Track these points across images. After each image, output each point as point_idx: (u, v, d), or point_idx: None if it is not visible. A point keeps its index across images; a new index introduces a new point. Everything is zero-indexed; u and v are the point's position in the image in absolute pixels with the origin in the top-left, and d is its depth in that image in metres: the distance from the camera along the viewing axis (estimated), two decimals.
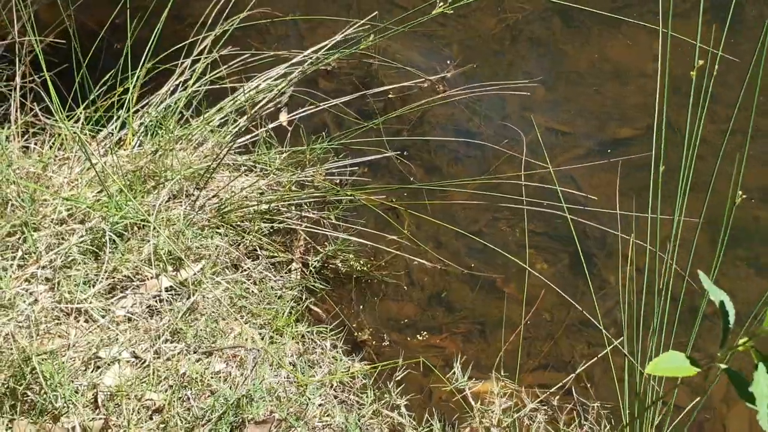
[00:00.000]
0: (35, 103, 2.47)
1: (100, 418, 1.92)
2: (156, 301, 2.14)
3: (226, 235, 2.34)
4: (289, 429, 2.00)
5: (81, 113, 2.43)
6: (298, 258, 2.46)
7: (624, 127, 2.83)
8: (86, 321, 2.08)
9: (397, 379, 2.20)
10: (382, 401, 2.15)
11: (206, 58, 2.60)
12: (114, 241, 2.16)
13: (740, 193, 1.69)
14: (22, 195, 2.19)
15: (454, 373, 2.22)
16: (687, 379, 1.33)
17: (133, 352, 2.05)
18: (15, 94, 2.48)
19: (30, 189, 2.19)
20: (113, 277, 2.15)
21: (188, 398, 1.98)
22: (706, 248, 2.26)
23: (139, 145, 2.46)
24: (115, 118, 2.47)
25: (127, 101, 2.47)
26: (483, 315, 2.46)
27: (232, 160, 2.52)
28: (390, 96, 2.87)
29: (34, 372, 1.91)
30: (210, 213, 2.34)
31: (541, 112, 2.85)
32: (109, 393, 1.96)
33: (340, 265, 2.49)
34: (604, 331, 2.07)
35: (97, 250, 2.17)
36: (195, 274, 2.18)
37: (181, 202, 2.32)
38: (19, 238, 2.15)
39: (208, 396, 1.99)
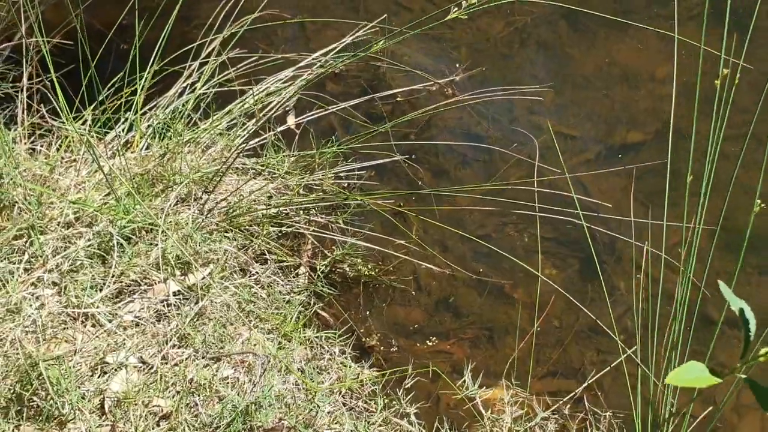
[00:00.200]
0: (42, 105, 2.46)
1: (107, 425, 1.91)
2: (164, 306, 2.12)
3: (235, 239, 2.33)
4: None
5: (88, 115, 2.41)
6: (306, 262, 2.45)
7: (633, 132, 2.81)
8: (93, 326, 2.06)
9: (406, 387, 2.18)
10: (392, 409, 2.13)
11: (214, 60, 2.58)
12: (122, 245, 2.14)
13: (759, 201, 1.67)
14: (28, 197, 2.18)
15: (464, 381, 2.20)
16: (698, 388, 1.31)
17: (141, 357, 2.03)
18: (22, 96, 2.46)
19: (37, 191, 2.18)
20: (121, 282, 2.13)
21: (196, 405, 1.96)
22: (715, 254, 2.24)
23: (147, 148, 2.44)
24: (122, 120, 2.46)
25: (134, 103, 2.45)
26: (491, 321, 2.44)
27: (241, 164, 2.50)
28: (398, 99, 2.85)
29: (40, 377, 1.89)
30: (218, 217, 2.32)
31: (549, 116, 2.83)
32: (116, 399, 1.94)
33: (347, 269, 2.47)
34: (618, 341, 2.05)
35: (105, 254, 2.15)
36: (203, 278, 2.16)
37: (189, 205, 2.30)
38: (25, 242, 2.13)
39: (217, 403, 1.98)
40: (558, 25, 3.05)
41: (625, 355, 2.06)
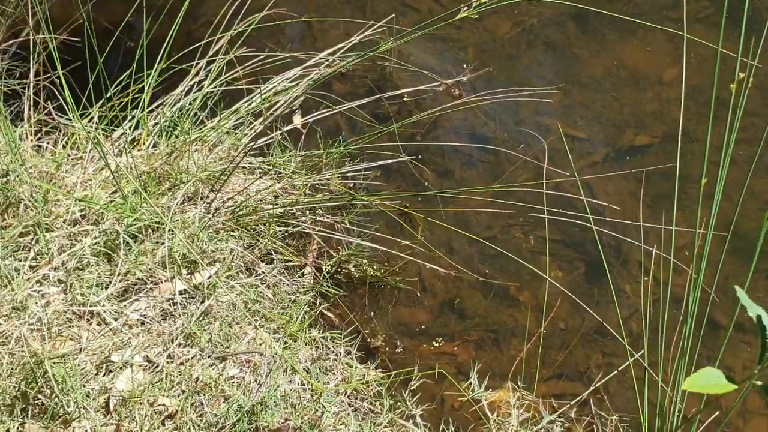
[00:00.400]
0: (49, 102, 2.45)
1: (112, 424, 1.90)
2: (170, 305, 2.12)
3: (241, 239, 2.32)
4: None
5: (95, 112, 2.41)
6: (312, 262, 2.44)
7: (641, 135, 2.80)
8: (99, 324, 2.06)
9: (412, 388, 2.18)
10: (397, 410, 2.13)
11: (222, 58, 2.58)
12: (128, 243, 2.14)
13: None
14: (35, 195, 2.17)
15: (470, 384, 2.20)
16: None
17: (146, 356, 2.03)
18: (28, 92, 2.46)
19: (43, 189, 2.17)
20: (127, 280, 2.12)
21: (201, 404, 1.96)
22: (723, 258, 2.23)
23: (154, 146, 2.44)
24: (129, 117, 2.45)
25: (141, 101, 2.44)
26: (496, 323, 2.44)
27: (247, 163, 2.50)
28: (405, 99, 2.84)
29: (45, 375, 1.89)
30: (225, 216, 2.32)
31: (557, 118, 2.83)
32: (121, 398, 1.94)
33: (353, 269, 2.47)
34: (626, 345, 2.05)
35: (111, 252, 2.15)
36: (209, 277, 2.15)
37: (196, 204, 2.30)
38: (31, 239, 2.13)
39: (222, 402, 1.97)
40: (566, 26, 3.04)
41: (633, 359, 2.06)
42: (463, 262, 2.50)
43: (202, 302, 2.12)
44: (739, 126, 1.81)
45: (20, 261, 2.08)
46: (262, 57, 2.67)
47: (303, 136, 2.66)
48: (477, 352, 2.38)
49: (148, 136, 2.45)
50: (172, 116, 2.48)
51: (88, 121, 2.41)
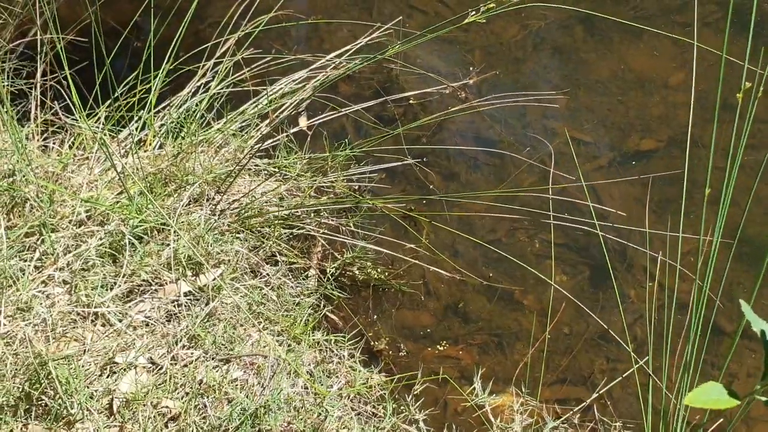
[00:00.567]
0: (55, 102, 2.45)
1: (115, 426, 1.90)
2: (174, 306, 2.12)
3: (246, 241, 2.32)
4: None
5: (102, 112, 2.41)
6: (316, 264, 2.44)
7: (646, 139, 2.80)
8: (103, 325, 2.06)
9: (415, 393, 2.18)
10: (400, 415, 2.13)
11: (228, 60, 2.58)
12: (133, 244, 2.14)
13: None
14: (40, 195, 2.17)
15: (474, 388, 2.20)
16: None
17: (150, 357, 2.03)
18: (35, 92, 2.46)
19: (49, 189, 2.18)
20: (131, 281, 2.13)
21: (205, 406, 1.96)
22: (729, 264, 2.23)
23: (160, 147, 2.44)
24: (135, 118, 2.45)
25: (148, 102, 2.45)
26: (500, 327, 2.43)
27: (253, 165, 2.50)
28: (411, 102, 2.84)
29: (49, 376, 1.89)
30: (230, 218, 2.32)
31: (563, 121, 2.82)
32: (124, 399, 1.94)
33: (357, 272, 2.47)
34: (631, 352, 2.04)
35: (116, 253, 2.15)
36: (214, 279, 2.16)
37: (201, 206, 2.30)
38: (37, 239, 2.13)
39: (226, 405, 1.97)
40: (573, 29, 3.04)
41: (637, 366, 2.05)
42: (467, 266, 2.50)
43: (207, 304, 2.12)
44: (746, 131, 1.81)
45: (25, 261, 2.08)
46: (268, 59, 2.67)
47: (309, 138, 2.66)
48: (481, 356, 2.38)
49: (154, 137, 2.46)
50: (179, 117, 2.48)
51: (95, 122, 2.41)
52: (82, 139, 2.37)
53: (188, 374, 2.00)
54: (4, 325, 1.96)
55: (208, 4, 2.99)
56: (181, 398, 1.98)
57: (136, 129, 2.44)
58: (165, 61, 2.48)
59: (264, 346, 2.10)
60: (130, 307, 2.10)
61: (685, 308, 2.24)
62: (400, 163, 2.64)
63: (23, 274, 2.05)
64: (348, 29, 2.97)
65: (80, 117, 2.35)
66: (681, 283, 2.18)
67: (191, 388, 1.98)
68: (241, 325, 2.14)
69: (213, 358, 2.05)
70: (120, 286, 2.10)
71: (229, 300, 2.15)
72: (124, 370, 1.98)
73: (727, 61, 1.71)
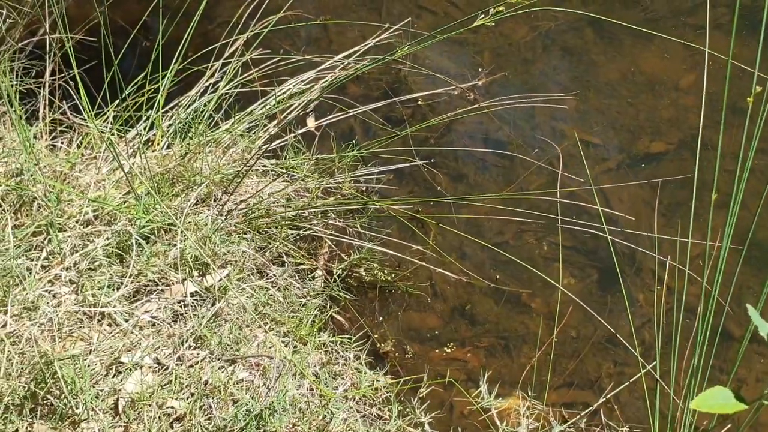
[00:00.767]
0: (64, 101, 2.46)
1: (120, 426, 1.90)
2: (180, 307, 2.12)
3: (253, 241, 2.32)
4: None
5: (111, 112, 2.41)
6: (323, 266, 2.44)
7: (656, 141, 2.78)
8: (109, 325, 2.06)
9: (421, 396, 2.17)
10: (406, 417, 2.12)
11: (237, 60, 2.58)
12: (140, 244, 2.14)
13: None
14: (48, 194, 2.18)
15: (479, 392, 2.19)
16: None
17: (156, 357, 2.03)
18: (44, 91, 2.46)
19: (56, 188, 2.18)
20: (138, 281, 2.13)
21: (210, 407, 1.96)
22: (738, 268, 2.21)
23: (168, 147, 2.44)
24: (144, 118, 2.45)
25: (156, 102, 2.45)
26: (507, 330, 2.42)
27: (261, 165, 2.50)
28: (419, 103, 2.84)
29: (55, 376, 1.89)
30: (238, 218, 2.32)
31: (572, 123, 2.81)
32: (130, 399, 1.94)
33: (363, 273, 2.46)
34: (638, 356, 2.03)
35: (123, 253, 2.15)
36: (221, 280, 2.15)
37: (209, 206, 2.30)
38: (44, 239, 2.13)
39: (231, 406, 1.97)
40: (583, 31, 3.03)
41: (645, 371, 2.04)
42: (474, 268, 2.49)
43: (213, 304, 2.12)
44: (757, 135, 1.79)
45: (32, 261, 2.09)
46: (277, 59, 2.66)
47: (316, 139, 2.65)
48: (487, 358, 2.37)
49: (162, 137, 2.46)
50: (187, 118, 2.48)
51: (103, 121, 2.42)
52: (90, 139, 2.38)
53: (194, 375, 2.00)
54: (11, 324, 1.96)
55: (217, 4, 2.99)
56: (187, 399, 1.97)
57: (144, 129, 2.44)
58: (173, 61, 2.48)
59: (270, 347, 2.10)
60: (136, 307, 2.10)
61: (693, 312, 2.22)
62: (407, 165, 2.63)
63: (30, 273, 2.06)
64: (357, 30, 2.97)
65: (88, 116, 2.35)
66: (690, 286, 2.17)
67: (197, 388, 1.98)
68: (247, 326, 2.14)
69: (219, 359, 2.05)
70: (126, 286, 2.10)
71: (235, 301, 2.15)
72: (130, 370, 1.99)
73: (739, 64, 1.70)
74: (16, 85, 2.46)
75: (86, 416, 1.89)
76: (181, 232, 2.15)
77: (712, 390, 1.13)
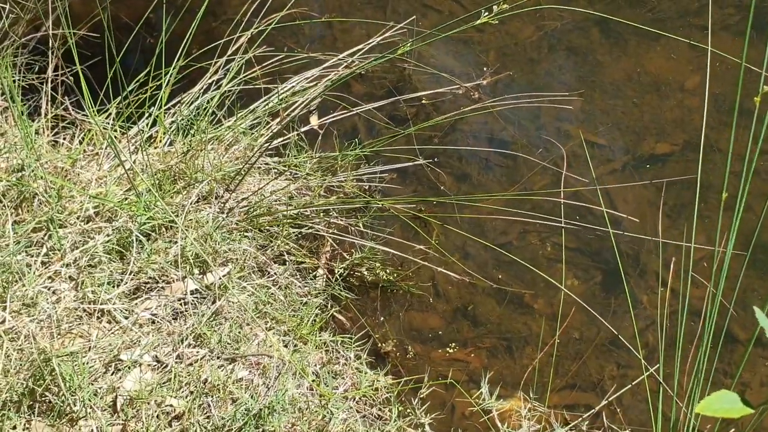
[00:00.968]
0: (66, 97, 2.45)
1: (118, 424, 1.89)
2: (181, 304, 2.11)
3: (254, 239, 2.31)
4: None
5: (113, 108, 2.40)
6: (324, 264, 2.43)
7: (661, 142, 2.76)
8: (109, 322, 2.05)
9: (421, 397, 2.16)
10: (406, 418, 2.11)
11: (241, 57, 2.57)
12: (141, 241, 2.13)
13: None
14: (49, 190, 2.17)
15: (480, 393, 2.17)
16: None
17: (155, 355, 2.02)
18: (46, 87, 2.46)
19: (57, 184, 2.17)
20: (138, 278, 2.12)
21: (209, 406, 1.95)
22: (740, 270, 2.20)
23: (170, 144, 2.43)
24: (146, 115, 2.44)
25: (159, 98, 2.44)
26: (509, 330, 2.41)
27: (263, 163, 2.48)
28: (423, 101, 2.82)
29: (53, 373, 1.88)
30: (239, 216, 2.31)
31: (577, 123, 2.79)
32: (128, 397, 1.93)
33: (365, 273, 2.45)
34: (641, 359, 2.01)
35: (123, 250, 2.14)
36: (221, 278, 2.14)
37: (210, 204, 2.29)
38: (44, 235, 2.13)
39: (230, 405, 1.96)
40: (590, 31, 3.01)
41: (648, 374, 2.02)
42: (477, 268, 2.48)
43: (214, 303, 2.11)
44: (762, 136, 1.77)
45: (32, 257, 2.08)
46: (281, 57, 2.65)
47: (320, 137, 2.64)
48: (489, 359, 2.36)
49: (164, 134, 2.45)
50: (190, 114, 2.47)
51: (106, 118, 2.41)
52: (92, 135, 2.37)
53: (193, 373, 1.99)
54: (9, 320, 1.95)
55: (221, 1, 2.98)
56: (186, 397, 1.96)
57: (147, 125, 2.44)
58: (177, 57, 2.47)
59: (270, 346, 2.09)
60: (136, 304, 2.09)
61: (698, 315, 2.21)
62: (411, 164, 2.62)
63: (30, 269, 2.05)
64: (362, 28, 2.95)
65: (90, 113, 2.34)
66: (694, 289, 2.15)
67: (196, 387, 1.97)
68: (248, 325, 2.13)
69: (218, 357, 2.04)
70: (127, 283, 2.09)
71: (235, 299, 2.14)
72: (129, 367, 1.98)
73: (747, 63, 1.68)
74: (19, 80, 2.46)
75: (84, 414, 1.88)
76: (181, 229, 2.14)
77: (717, 394, 1.12)
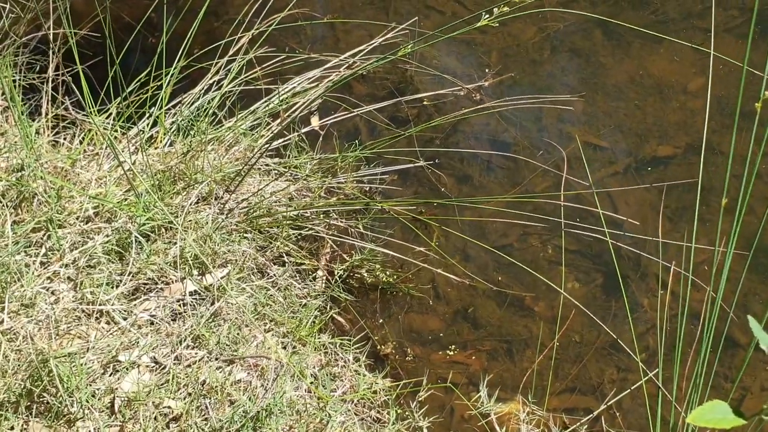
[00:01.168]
0: (66, 97, 2.45)
1: (116, 425, 1.89)
2: (180, 305, 2.11)
3: (254, 241, 2.30)
4: None
5: (113, 108, 2.40)
6: (324, 266, 2.42)
7: (664, 145, 2.75)
8: (107, 323, 2.05)
9: (420, 399, 2.15)
10: (405, 421, 2.10)
11: (242, 58, 2.56)
12: (140, 242, 2.13)
13: None
14: (48, 190, 2.17)
15: (479, 397, 2.17)
16: None
17: (154, 356, 2.01)
18: (47, 87, 2.45)
19: (57, 185, 2.17)
20: (137, 279, 2.11)
21: (207, 408, 1.94)
22: (741, 273, 2.18)
23: (170, 145, 2.43)
24: (147, 115, 2.44)
25: (159, 98, 2.43)
26: (510, 333, 2.40)
27: (263, 164, 2.48)
28: (425, 103, 2.81)
29: (51, 374, 1.88)
30: (239, 217, 2.30)
31: (579, 125, 2.78)
32: (126, 398, 1.93)
33: (365, 275, 2.45)
34: (640, 363, 2.01)
35: (122, 251, 2.14)
36: (220, 279, 2.14)
37: (210, 204, 2.28)
38: (43, 235, 2.12)
39: (228, 407, 1.95)
40: (592, 33, 3.00)
41: (646, 378, 2.02)
42: (477, 270, 2.47)
43: (212, 304, 2.11)
44: (765, 139, 1.76)
45: (31, 257, 2.08)
46: (282, 57, 2.65)
47: (321, 138, 2.63)
48: (489, 362, 2.35)
49: (164, 134, 2.44)
50: (190, 115, 2.47)
51: (106, 118, 2.40)
52: (93, 135, 2.36)
53: (191, 374, 1.99)
54: (7, 321, 1.95)
55: (223, 1, 2.98)
56: (184, 399, 1.96)
57: (147, 126, 2.43)
58: (178, 57, 2.46)
59: (268, 348, 2.09)
60: (135, 305, 2.09)
61: (699, 319, 2.20)
62: (412, 165, 2.61)
63: (28, 269, 2.05)
64: (365, 29, 2.95)
65: (90, 113, 2.34)
66: (695, 292, 2.14)
67: (194, 388, 1.97)
68: (247, 326, 2.13)
69: (217, 359, 2.04)
70: (125, 284, 2.09)
71: (234, 300, 2.13)
72: (127, 368, 1.97)
73: (750, 65, 1.67)
74: (20, 80, 2.45)
75: (82, 415, 1.88)
76: (180, 230, 2.14)
77: (710, 404, 1.11)
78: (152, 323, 2.08)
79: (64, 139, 2.40)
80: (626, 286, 2.39)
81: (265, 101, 2.55)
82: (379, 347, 2.34)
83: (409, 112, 2.79)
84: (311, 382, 2.06)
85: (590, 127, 2.78)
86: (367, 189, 2.57)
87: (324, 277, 2.39)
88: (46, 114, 2.41)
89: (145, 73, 2.46)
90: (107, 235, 2.13)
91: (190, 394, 1.96)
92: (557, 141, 2.71)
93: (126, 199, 2.21)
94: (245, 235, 2.30)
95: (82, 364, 1.92)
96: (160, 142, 2.44)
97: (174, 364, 2.00)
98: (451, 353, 2.36)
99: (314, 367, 2.13)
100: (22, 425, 1.86)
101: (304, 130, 2.59)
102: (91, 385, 1.92)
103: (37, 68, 2.55)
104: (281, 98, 2.54)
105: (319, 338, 2.21)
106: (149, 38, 2.79)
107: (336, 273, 2.40)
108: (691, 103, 2.82)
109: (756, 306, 2.36)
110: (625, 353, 2.30)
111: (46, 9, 2.50)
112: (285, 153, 2.55)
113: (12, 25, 2.58)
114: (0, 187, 2.16)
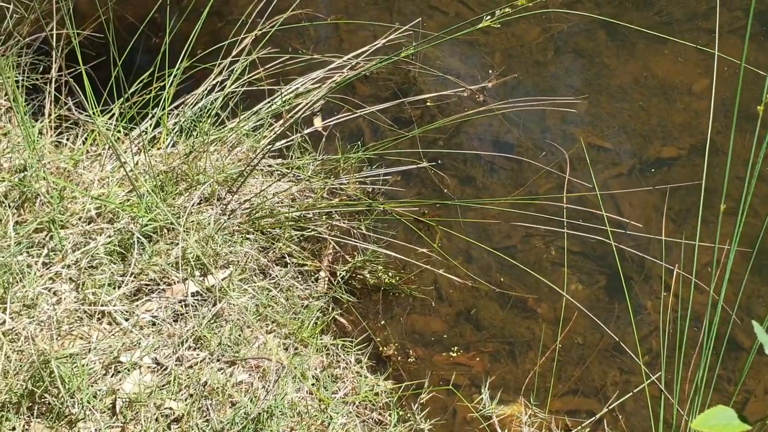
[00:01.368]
0: (69, 97, 2.45)
1: (117, 426, 1.89)
2: (181, 306, 2.11)
3: (256, 241, 2.30)
4: None
5: (116, 109, 2.40)
6: (326, 267, 2.42)
7: (668, 146, 2.75)
8: (109, 324, 2.05)
9: (422, 401, 2.15)
10: (406, 423, 2.10)
11: (245, 59, 2.56)
12: (142, 243, 2.13)
13: None
14: (51, 191, 2.17)
15: (481, 398, 2.16)
16: None
17: (155, 357, 2.01)
18: (50, 87, 2.45)
19: (59, 185, 2.17)
20: (139, 280, 2.11)
21: (208, 409, 1.94)
22: (747, 277, 2.18)
23: (173, 145, 2.42)
24: (150, 115, 2.44)
25: (162, 99, 2.43)
26: (512, 335, 2.40)
27: (266, 165, 2.48)
28: (428, 104, 2.81)
29: (53, 375, 1.88)
30: (241, 218, 2.30)
31: (583, 126, 2.78)
32: (127, 400, 1.93)
33: (368, 276, 2.44)
34: (642, 366, 2.00)
35: (125, 252, 2.14)
36: (222, 280, 2.14)
37: (212, 205, 2.28)
38: (46, 236, 2.12)
39: (229, 408, 1.95)
40: (596, 33, 2.99)
41: (649, 381, 2.01)
42: (480, 272, 2.47)
43: (214, 305, 2.11)
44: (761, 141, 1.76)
45: (33, 257, 2.08)
46: (285, 58, 2.64)
47: (323, 139, 2.63)
48: (492, 364, 2.35)
49: (167, 135, 2.44)
50: (193, 116, 2.46)
51: (109, 118, 2.40)
52: (96, 136, 2.37)
53: (193, 376, 1.99)
54: (9, 322, 1.95)
55: (226, 2, 2.98)
56: (185, 400, 1.96)
57: (150, 126, 2.43)
58: (181, 58, 2.46)
59: (270, 349, 2.08)
60: (137, 306, 2.09)
61: (701, 321, 2.19)
62: (415, 167, 2.61)
63: (30, 270, 2.05)
64: (368, 29, 2.94)
65: (93, 114, 2.34)
66: (698, 295, 2.13)
67: (195, 390, 1.97)
68: (248, 327, 2.12)
69: (218, 360, 2.04)
70: (127, 284, 2.09)
71: (236, 301, 2.13)
72: (129, 369, 1.97)
73: (753, 68, 1.66)
74: (23, 80, 2.46)
75: (83, 416, 1.88)
76: (182, 231, 2.14)
77: (714, 409, 1.10)
78: (154, 324, 2.08)
79: (67, 139, 2.40)
80: (629, 288, 2.38)
81: (268, 102, 2.55)
82: (381, 349, 2.33)
83: (413, 113, 2.79)
84: (313, 384, 2.05)
85: (594, 129, 2.78)
86: (370, 190, 2.56)
87: (326, 279, 2.39)
88: (49, 115, 2.41)
89: (148, 73, 2.46)
90: (109, 236, 2.13)
91: (191, 396, 1.96)
92: (560, 142, 2.70)
93: (128, 200, 2.21)
94: (247, 236, 2.30)
95: (83, 365, 1.92)
96: (163, 142, 2.44)
97: (175, 365, 2.00)
98: (454, 355, 2.35)
99: (316, 369, 2.13)
100: (24, 426, 1.86)
101: (307, 131, 2.59)
102: (92, 386, 1.92)
103: (41, 69, 2.56)
104: (284, 99, 2.54)
105: (320, 340, 2.20)
106: (152, 38, 2.79)
107: (338, 274, 2.40)
108: (695, 105, 2.81)
109: (759, 308, 2.35)
110: (627, 356, 2.29)
111: (49, 9, 2.50)
112: (288, 154, 2.55)
113: (15, 25, 2.58)
114: (3, 187, 2.17)
